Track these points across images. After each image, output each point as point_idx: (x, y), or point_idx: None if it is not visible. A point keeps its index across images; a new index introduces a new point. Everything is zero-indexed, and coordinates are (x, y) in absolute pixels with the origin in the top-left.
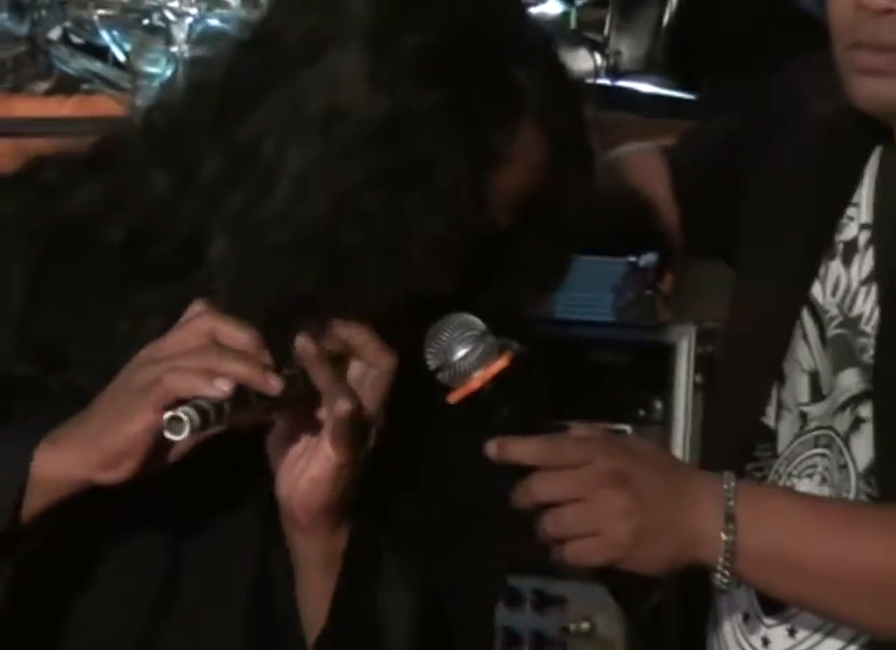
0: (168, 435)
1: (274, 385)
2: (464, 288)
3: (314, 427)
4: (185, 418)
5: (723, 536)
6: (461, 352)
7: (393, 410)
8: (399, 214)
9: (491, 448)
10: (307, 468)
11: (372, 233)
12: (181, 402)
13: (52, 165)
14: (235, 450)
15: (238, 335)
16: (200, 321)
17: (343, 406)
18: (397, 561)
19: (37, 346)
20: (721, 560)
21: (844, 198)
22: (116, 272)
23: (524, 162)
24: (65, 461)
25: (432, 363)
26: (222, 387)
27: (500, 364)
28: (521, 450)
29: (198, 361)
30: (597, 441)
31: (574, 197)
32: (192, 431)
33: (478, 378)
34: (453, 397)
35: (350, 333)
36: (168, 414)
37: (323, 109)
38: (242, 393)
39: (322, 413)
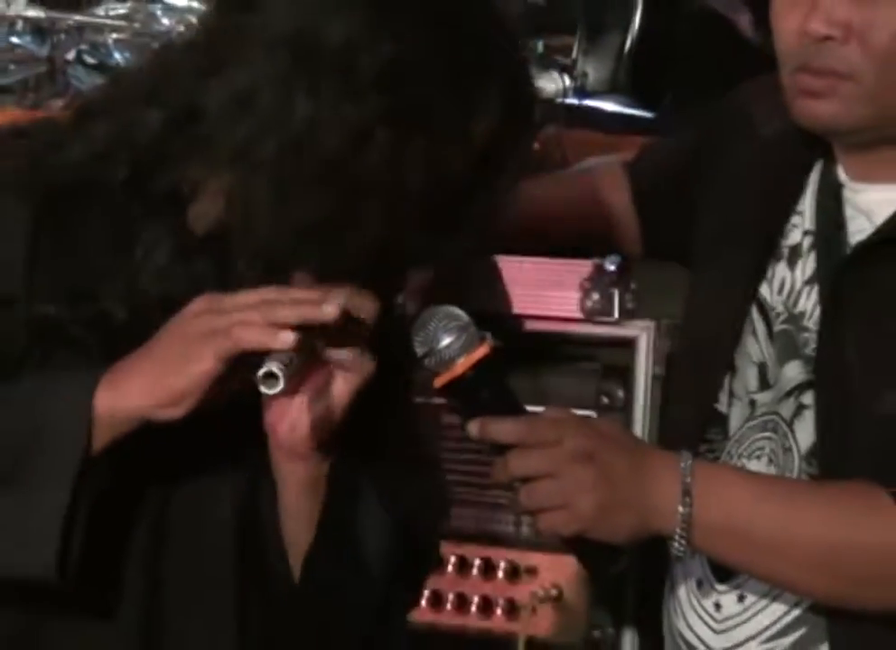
0: (263, 390)
1: (330, 311)
2: (428, 242)
3: (309, 378)
4: (280, 373)
5: (681, 509)
6: (446, 341)
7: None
8: (403, 153)
9: (473, 427)
10: (313, 410)
11: (380, 168)
12: (251, 357)
13: (43, 127)
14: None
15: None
16: (261, 291)
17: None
18: (368, 481)
19: (57, 288)
20: (678, 531)
21: (789, 207)
22: (114, 209)
23: (490, 115)
24: (129, 399)
25: (419, 350)
26: (287, 339)
27: (481, 351)
28: (500, 429)
29: (261, 314)
30: (568, 422)
31: (518, 150)
32: (286, 383)
33: (461, 364)
34: (439, 381)
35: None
36: (263, 371)
37: (333, 56)
38: (303, 345)
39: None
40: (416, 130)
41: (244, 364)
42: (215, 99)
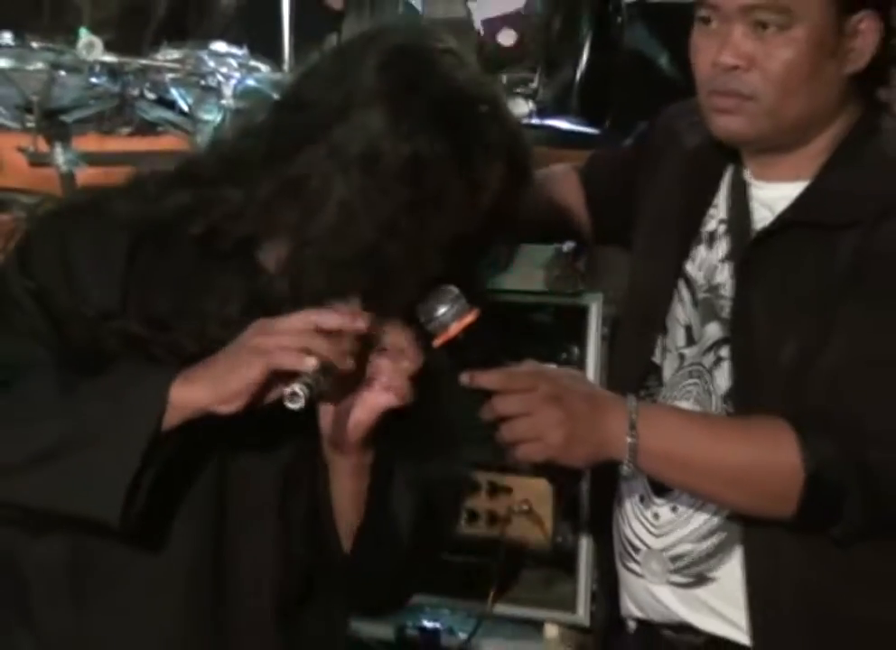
0: (288, 405)
1: (348, 364)
2: (449, 271)
3: (350, 387)
4: (301, 393)
5: (628, 440)
6: (442, 309)
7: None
8: (421, 231)
9: (465, 377)
10: (353, 414)
11: (404, 247)
12: (292, 376)
13: (149, 181)
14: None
15: (330, 316)
16: (305, 312)
17: (412, 365)
18: (401, 470)
19: (141, 314)
20: (626, 457)
21: (708, 201)
22: (193, 257)
23: (494, 183)
24: (196, 393)
25: (421, 317)
26: (310, 363)
27: (470, 318)
28: (486, 379)
29: (298, 342)
30: (539, 373)
31: (520, 200)
32: (306, 401)
33: (454, 328)
34: (437, 342)
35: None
36: (288, 390)
37: (359, 154)
38: (327, 370)
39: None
40: (433, 211)
41: (284, 377)
42: (274, 185)
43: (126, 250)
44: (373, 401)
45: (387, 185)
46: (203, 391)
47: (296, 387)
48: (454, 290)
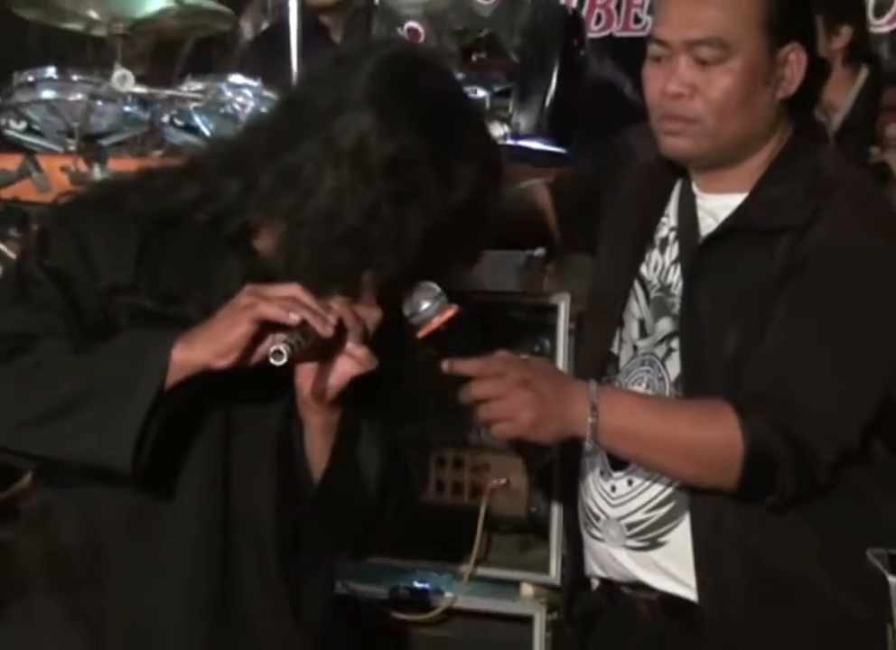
0: (272, 361)
1: (328, 328)
2: (425, 261)
3: (326, 355)
4: (284, 351)
5: (590, 419)
6: (425, 305)
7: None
8: (400, 218)
9: (445, 365)
10: (326, 377)
11: (385, 231)
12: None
13: (161, 174)
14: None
15: (308, 298)
16: (290, 286)
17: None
18: (368, 426)
19: (152, 291)
20: (588, 434)
21: (659, 211)
22: (197, 242)
23: (468, 183)
24: (195, 351)
25: (406, 312)
26: (294, 318)
27: (450, 312)
28: (464, 366)
29: (282, 301)
30: (512, 361)
31: (491, 202)
32: (288, 358)
33: (436, 321)
34: (421, 334)
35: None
36: (273, 348)
37: (350, 148)
38: (307, 335)
39: (331, 347)
40: (411, 201)
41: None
42: (273, 173)
43: (138, 239)
44: (342, 368)
45: (372, 176)
46: (201, 349)
47: (280, 345)
48: (436, 288)
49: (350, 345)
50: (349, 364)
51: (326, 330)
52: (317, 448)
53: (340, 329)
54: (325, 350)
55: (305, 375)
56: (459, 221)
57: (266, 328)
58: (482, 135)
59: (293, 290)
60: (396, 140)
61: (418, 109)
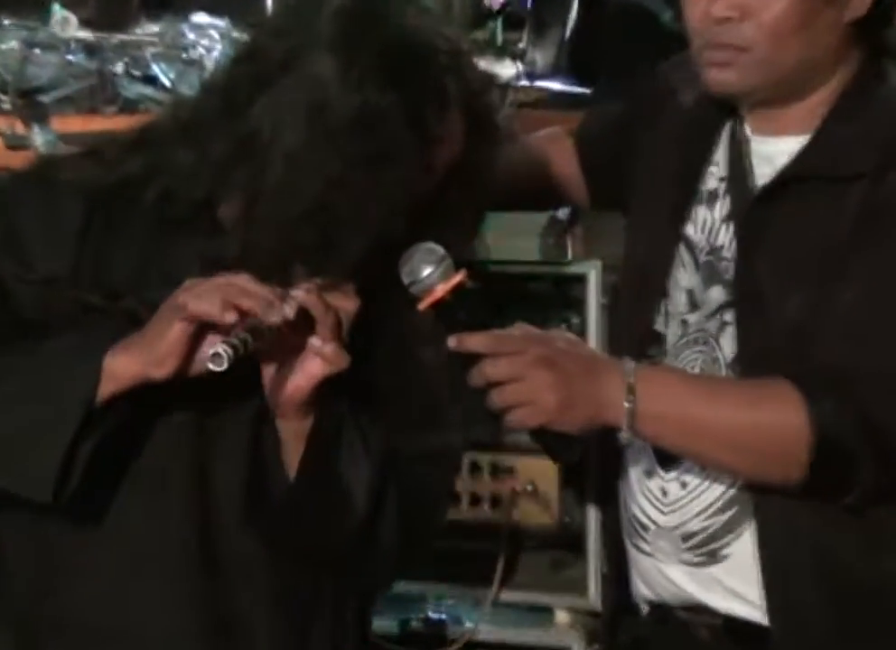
0: (211, 367)
1: (276, 317)
2: (409, 236)
3: (295, 352)
4: (224, 354)
5: (626, 405)
6: (427, 270)
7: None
8: (372, 186)
9: (452, 341)
10: (292, 378)
11: (353, 202)
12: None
13: (108, 145)
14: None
15: (253, 286)
16: (233, 276)
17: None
18: (359, 434)
19: (94, 282)
20: (625, 421)
21: (706, 158)
22: (148, 224)
23: (451, 140)
24: (127, 361)
25: (405, 279)
26: (229, 317)
27: (457, 278)
28: (475, 341)
29: (217, 294)
30: (531, 335)
31: (485, 161)
32: (229, 362)
33: (440, 289)
34: (422, 305)
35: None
36: (211, 351)
37: (307, 104)
38: (257, 330)
39: (300, 343)
40: (384, 165)
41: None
42: (225, 140)
43: (80, 217)
44: (310, 369)
45: (335, 137)
46: (134, 358)
47: (219, 348)
48: (439, 250)
49: (315, 341)
50: (316, 363)
51: (273, 320)
52: (295, 457)
53: (308, 322)
54: (290, 347)
55: (269, 376)
56: (448, 187)
57: (210, 328)
58: (468, 79)
59: (235, 279)
60: (361, 91)
61: (386, 53)
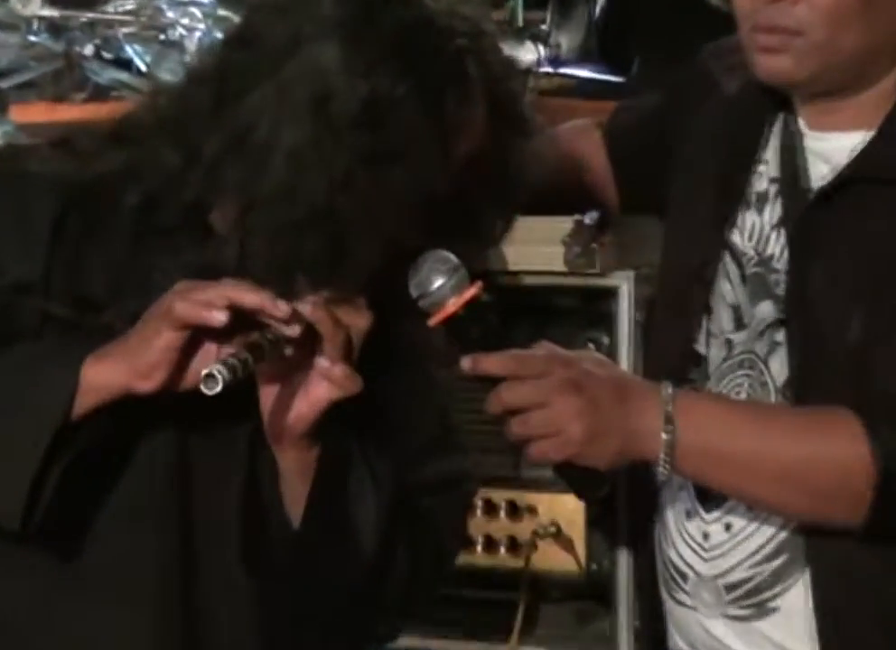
0: (203, 388)
1: (283, 309)
2: (426, 243)
3: (299, 374)
4: (218, 375)
5: (664, 435)
6: (438, 282)
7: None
8: (384, 186)
9: (466, 362)
10: (295, 404)
11: (362, 205)
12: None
13: (82, 136)
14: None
15: (250, 293)
16: (224, 282)
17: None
18: (367, 468)
19: (67, 293)
20: (662, 455)
21: (754, 156)
22: (130, 231)
23: (473, 132)
24: (109, 371)
25: (414, 292)
26: (219, 318)
27: (471, 292)
28: (492, 363)
29: (204, 295)
30: (556, 356)
31: (514, 156)
32: (225, 384)
33: (453, 304)
34: (433, 321)
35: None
36: (205, 371)
37: (310, 95)
38: (259, 348)
39: (303, 365)
40: (396, 162)
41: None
42: (218, 137)
43: (52, 217)
44: (316, 393)
45: (341, 132)
46: (116, 368)
47: (214, 368)
48: (453, 258)
49: (322, 361)
50: (323, 387)
51: (282, 330)
52: (296, 493)
53: (315, 340)
54: (293, 368)
55: (268, 400)
56: (469, 187)
57: (204, 337)
58: (489, 65)
59: (236, 283)
60: (369, 79)
61: (397, 36)
